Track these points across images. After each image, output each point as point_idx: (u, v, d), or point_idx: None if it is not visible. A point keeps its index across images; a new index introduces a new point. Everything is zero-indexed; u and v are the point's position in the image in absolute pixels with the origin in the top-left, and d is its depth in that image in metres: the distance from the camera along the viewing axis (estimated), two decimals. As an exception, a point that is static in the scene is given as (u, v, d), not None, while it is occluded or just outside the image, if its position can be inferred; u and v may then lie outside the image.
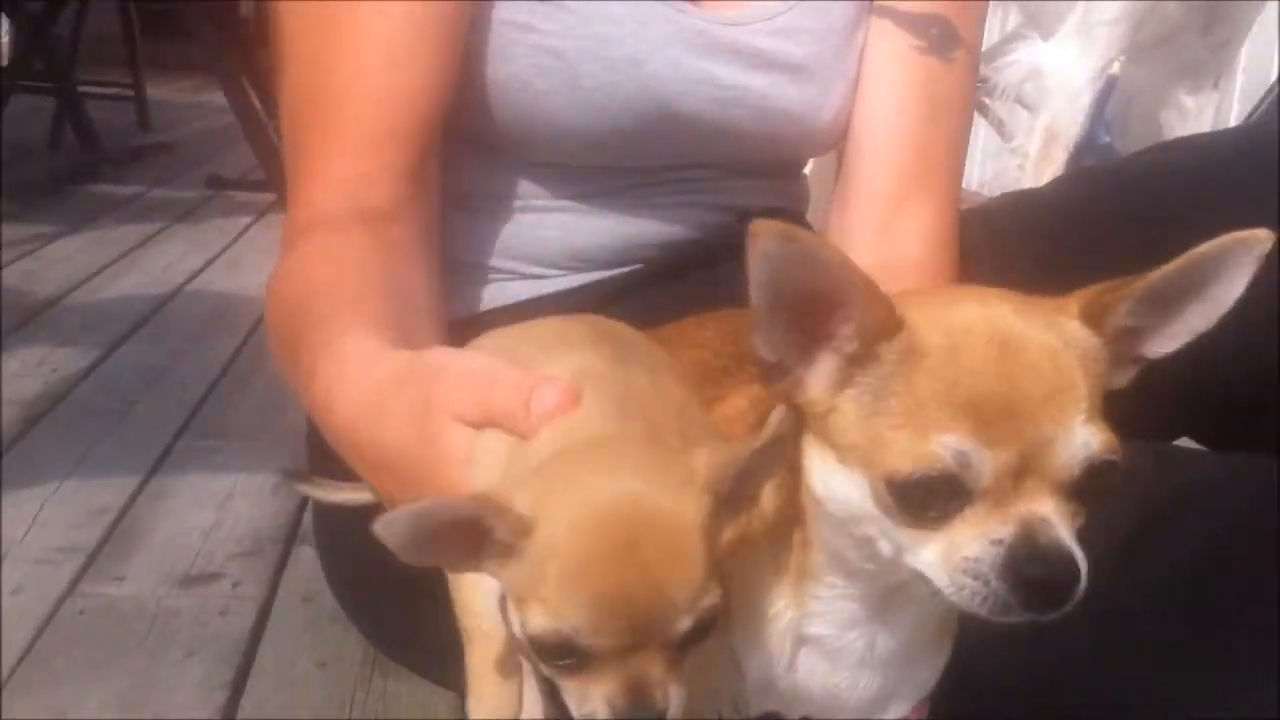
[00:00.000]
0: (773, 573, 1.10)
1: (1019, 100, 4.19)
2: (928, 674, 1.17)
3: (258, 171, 5.66)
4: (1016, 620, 0.92)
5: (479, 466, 1.05)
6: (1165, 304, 1.02)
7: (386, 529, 0.91)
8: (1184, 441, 1.92)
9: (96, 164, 6.66)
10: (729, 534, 0.99)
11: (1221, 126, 3.89)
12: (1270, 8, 3.97)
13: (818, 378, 1.00)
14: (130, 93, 8.26)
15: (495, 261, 1.77)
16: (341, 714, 1.83)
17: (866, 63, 1.78)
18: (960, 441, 0.91)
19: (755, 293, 0.97)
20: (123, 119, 7.94)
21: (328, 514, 1.76)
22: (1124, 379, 1.05)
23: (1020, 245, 1.81)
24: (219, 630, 2.02)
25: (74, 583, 2.15)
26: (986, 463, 0.90)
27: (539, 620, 0.92)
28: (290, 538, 2.36)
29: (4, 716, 1.74)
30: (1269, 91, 3.92)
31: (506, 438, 1.04)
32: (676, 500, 0.94)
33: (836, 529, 1.03)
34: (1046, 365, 0.94)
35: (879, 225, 1.76)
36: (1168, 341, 1.04)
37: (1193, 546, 1.68)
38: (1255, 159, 1.84)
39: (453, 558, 0.97)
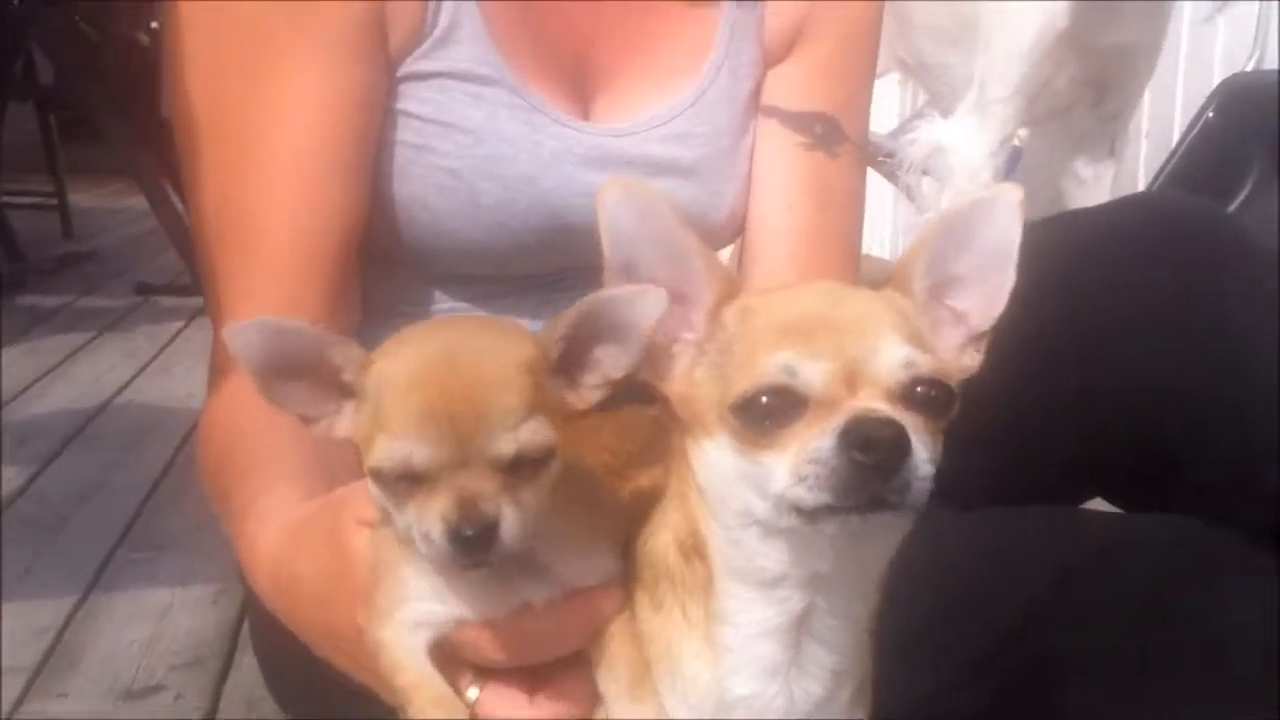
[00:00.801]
0: (683, 630, 1.13)
1: (926, 173, 4.32)
2: None
3: (185, 275, 5.65)
4: (862, 499, 0.97)
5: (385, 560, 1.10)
6: (952, 271, 1.11)
7: (235, 335, 1.00)
8: (1096, 504, 2.00)
9: (23, 274, 6.65)
10: (569, 400, 1.06)
11: (1122, 193, 4.02)
12: (1166, 72, 4.15)
13: (679, 361, 1.10)
14: (53, 201, 8.25)
15: (442, 304, 1.81)
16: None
17: (756, 161, 1.85)
18: (786, 356, 1.00)
19: (609, 253, 1.08)
20: (46, 227, 7.94)
21: (265, 622, 1.80)
22: (970, 358, 1.13)
23: None
24: (162, 743, 2.05)
25: (18, 702, 2.17)
26: (814, 372, 0.99)
27: (378, 449, 0.99)
28: (231, 648, 2.39)
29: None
30: (1169, 157, 4.05)
31: None
32: (499, 335, 1.06)
33: (723, 520, 1.07)
34: (861, 304, 1.06)
35: None
36: (981, 302, 1.12)
37: (1104, 608, 1.76)
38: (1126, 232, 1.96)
39: (306, 403, 1.04)
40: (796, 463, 0.98)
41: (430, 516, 0.98)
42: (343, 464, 1.46)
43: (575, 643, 1.16)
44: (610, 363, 1.07)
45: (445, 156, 1.67)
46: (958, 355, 1.13)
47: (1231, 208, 3.83)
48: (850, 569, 1.09)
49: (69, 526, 3.04)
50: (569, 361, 1.06)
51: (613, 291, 1.06)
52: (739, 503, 1.06)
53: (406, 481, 1.00)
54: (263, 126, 1.57)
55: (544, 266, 1.80)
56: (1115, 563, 1.76)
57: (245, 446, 1.43)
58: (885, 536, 1.08)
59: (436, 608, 1.08)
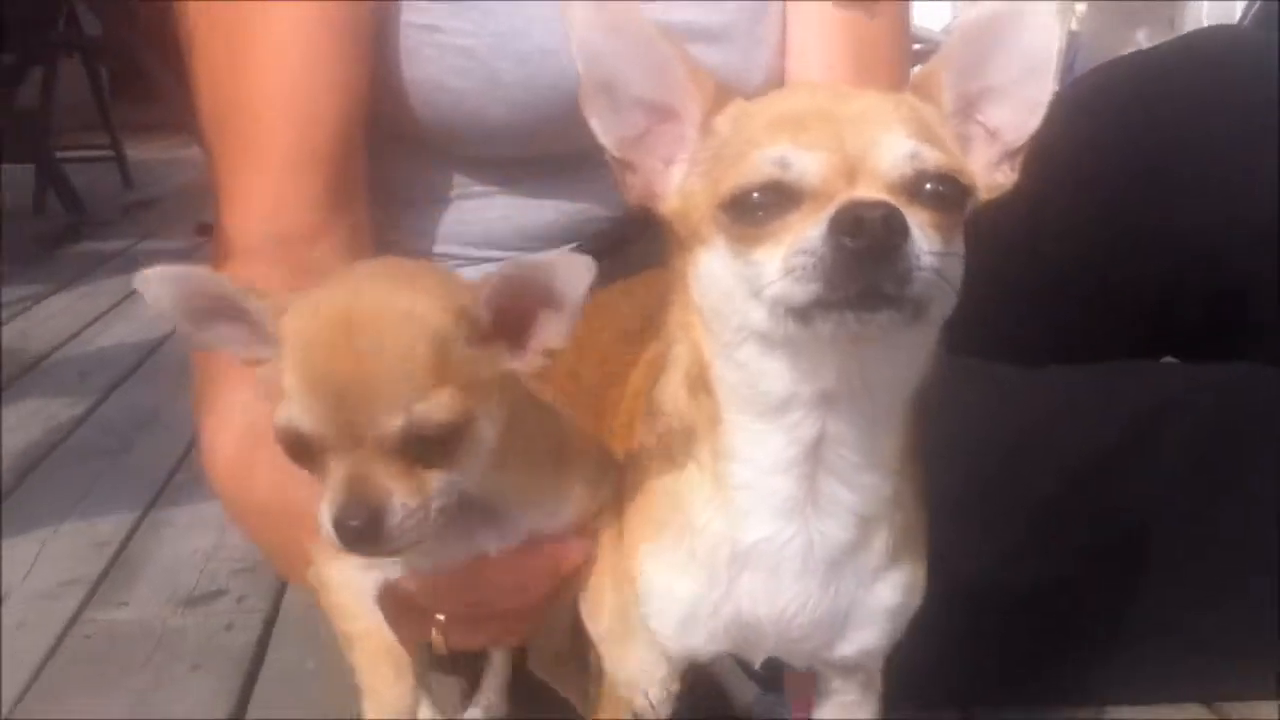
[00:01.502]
0: (693, 477, 1.09)
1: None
2: (895, 595, 1.13)
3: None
4: (857, 289, 0.90)
5: None
6: (983, 84, 1.04)
7: (143, 282, 0.95)
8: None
9: (80, 225, 6.69)
10: (500, 366, 0.99)
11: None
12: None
13: (671, 180, 1.05)
14: (110, 154, 8.29)
15: (445, 248, 1.80)
16: (345, 714, 1.83)
17: (790, 26, 1.78)
18: (780, 149, 0.94)
19: (582, 69, 1.03)
20: (107, 181, 7.95)
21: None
22: (1004, 175, 1.06)
23: None
24: (225, 643, 2.04)
25: (78, 611, 2.17)
26: (809, 164, 0.93)
27: (280, 413, 0.94)
28: (291, 550, 2.36)
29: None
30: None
31: None
32: (411, 300, 0.96)
33: (723, 338, 1.02)
34: (870, 99, 0.99)
35: None
36: (1014, 115, 1.05)
37: (1179, 456, 1.69)
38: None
39: (240, 344, 1.00)
40: (787, 254, 0.91)
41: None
42: None
43: (535, 593, 1.12)
44: (550, 329, 1.01)
45: (457, 35, 1.62)
46: (989, 172, 1.06)
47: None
48: (861, 387, 1.02)
49: (130, 451, 3.04)
50: (510, 327, 1.00)
51: (537, 259, 0.99)
52: (736, 313, 0.99)
53: (303, 453, 0.94)
54: (254, 13, 1.53)
55: (570, 145, 1.74)
56: (1187, 408, 1.70)
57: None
58: (896, 350, 1.00)
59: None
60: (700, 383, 1.07)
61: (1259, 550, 1.70)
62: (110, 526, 2.53)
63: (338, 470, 0.93)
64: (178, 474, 2.84)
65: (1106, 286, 1.90)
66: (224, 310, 0.98)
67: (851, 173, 0.94)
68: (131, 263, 5.53)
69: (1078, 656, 1.71)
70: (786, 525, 1.06)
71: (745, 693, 1.66)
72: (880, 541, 1.10)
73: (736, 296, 0.98)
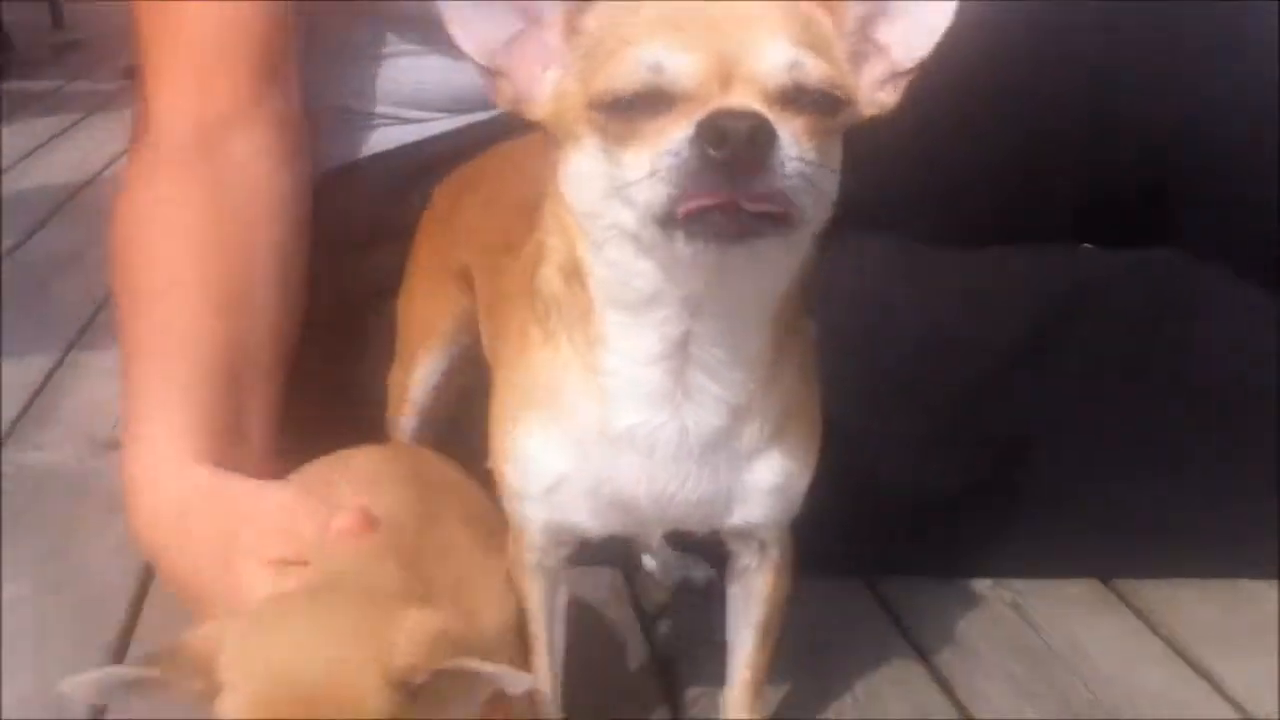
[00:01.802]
0: (568, 360, 1.10)
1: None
2: (776, 472, 1.14)
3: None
4: (721, 197, 0.89)
5: None
6: None
7: (75, 688, 0.92)
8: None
9: (8, 64, 6.51)
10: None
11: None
12: None
13: (542, 88, 1.03)
14: (41, -10, 8.06)
15: (377, 107, 1.79)
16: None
17: None
18: (653, 51, 0.93)
19: None
20: (36, 19, 7.74)
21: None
22: (887, 94, 1.05)
23: None
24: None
25: (-8, 455, 2.15)
26: (683, 65, 0.92)
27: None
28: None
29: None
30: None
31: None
32: (358, 688, 0.89)
33: (594, 237, 1.02)
34: (747, 3, 0.97)
35: None
36: (908, 37, 1.04)
37: (1097, 340, 1.72)
38: None
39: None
40: (653, 156, 0.90)
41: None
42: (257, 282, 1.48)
43: None
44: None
45: None
46: (873, 89, 1.05)
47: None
48: (727, 292, 1.02)
49: (49, 293, 3.01)
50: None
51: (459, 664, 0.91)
52: (605, 213, 0.99)
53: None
54: None
55: None
56: (1102, 296, 1.72)
57: (151, 302, 1.43)
58: (762, 258, 0.99)
59: None
60: (574, 273, 1.07)
61: (1161, 436, 1.74)
62: (27, 370, 2.51)
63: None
64: (96, 318, 2.81)
65: (1041, 170, 1.90)
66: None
67: (728, 77, 0.92)
68: (59, 102, 5.49)
69: (980, 534, 1.75)
70: (657, 413, 1.08)
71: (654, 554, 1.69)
72: (755, 425, 1.11)
73: (606, 196, 0.98)
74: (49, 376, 2.49)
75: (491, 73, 1.04)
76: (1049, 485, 1.74)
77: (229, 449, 1.33)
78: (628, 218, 0.96)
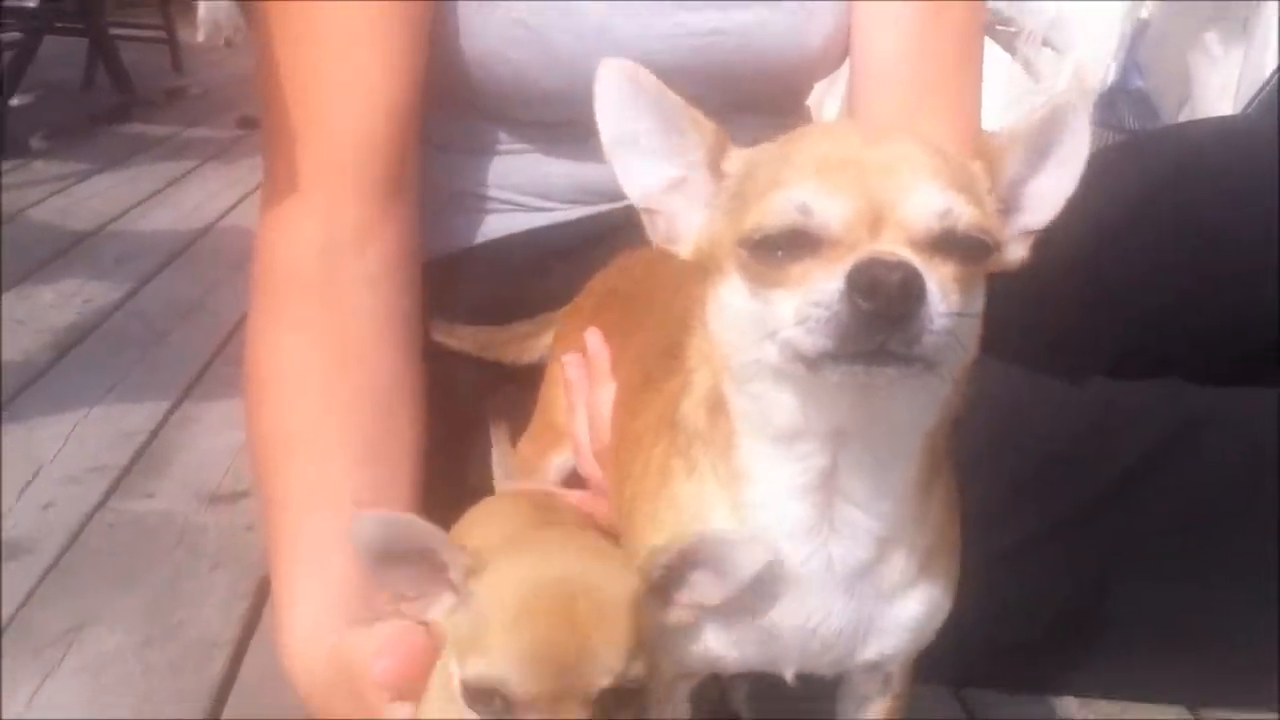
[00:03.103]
0: (711, 494, 1.11)
1: (1046, 43, 4.18)
2: (918, 609, 1.14)
3: (289, 112, 5.66)
4: (868, 347, 0.90)
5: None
6: (1035, 162, 1.07)
7: (359, 525, 1.04)
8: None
9: (129, 105, 6.71)
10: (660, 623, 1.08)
11: (1249, 73, 3.86)
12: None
13: (693, 223, 1.07)
14: (162, 35, 8.30)
15: (502, 194, 1.83)
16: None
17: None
18: (801, 193, 0.94)
19: (602, 127, 1.07)
20: (155, 62, 7.97)
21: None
22: (1017, 252, 1.08)
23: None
24: (245, 544, 2.07)
25: (104, 498, 2.21)
26: (830, 209, 0.93)
27: (475, 666, 1.01)
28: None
29: (31, 624, 1.79)
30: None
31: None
32: (611, 574, 1.06)
33: (737, 370, 1.04)
34: (906, 144, 0.99)
35: None
36: (1045, 204, 1.08)
37: (1205, 473, 1.72)
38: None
39: (410, 589, 1.08)
40: (801, 304, 0.91)
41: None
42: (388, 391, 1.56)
43: None
44: (705, 590, 1.09)
45: (515, 8, 1.64)
46: (1010, 244, 1.07)
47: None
48: (872, 425, 1.03)
49: (165, 341, 3.08)
50: (665, 581, 1.09)
51: (724, 533, 1.07)
52: (749, 348, 1.00)
53: (496, 706, 1.01)
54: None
55: None
56: (1218, 428, 1.72)
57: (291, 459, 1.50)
58: (910, 394, 1.01)
59: None
60: (718, 406, 1.08)
61: (1256, 571, 1.73)
62: (140, 417, 2.57)
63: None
64: (211, 367, 2.89)
65: (1160, 313, 1.94)
66: (414, 555, 1.06)
67: (877, 222, 0.93)
68: (177, 149, 5.65)
69: (1070, 651, 1.74)
70: (803, 545, 1.08)
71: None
72: (901, 559, 1.11)
73: (751, 333, 0.99)
74: (161, 425, 2.55)
75: (646, 212, 1.08)
76: (1140, 610, 1.73)
77: (370, 599, 1.35)
78: (772, 353, 0.97)
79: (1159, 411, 1.73)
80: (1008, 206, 1.07)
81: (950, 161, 1.00)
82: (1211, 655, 1.75)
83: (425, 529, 1.07)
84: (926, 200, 0.94)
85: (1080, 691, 1.77)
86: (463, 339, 1.79)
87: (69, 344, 3.00)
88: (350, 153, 1.56)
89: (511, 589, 1.03)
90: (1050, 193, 1.07)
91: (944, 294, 0.91)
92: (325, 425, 1.46)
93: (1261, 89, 3.72)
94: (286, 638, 1.40)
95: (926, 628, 1.16)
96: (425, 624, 1.18)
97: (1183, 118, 4.11)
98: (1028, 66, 4.55)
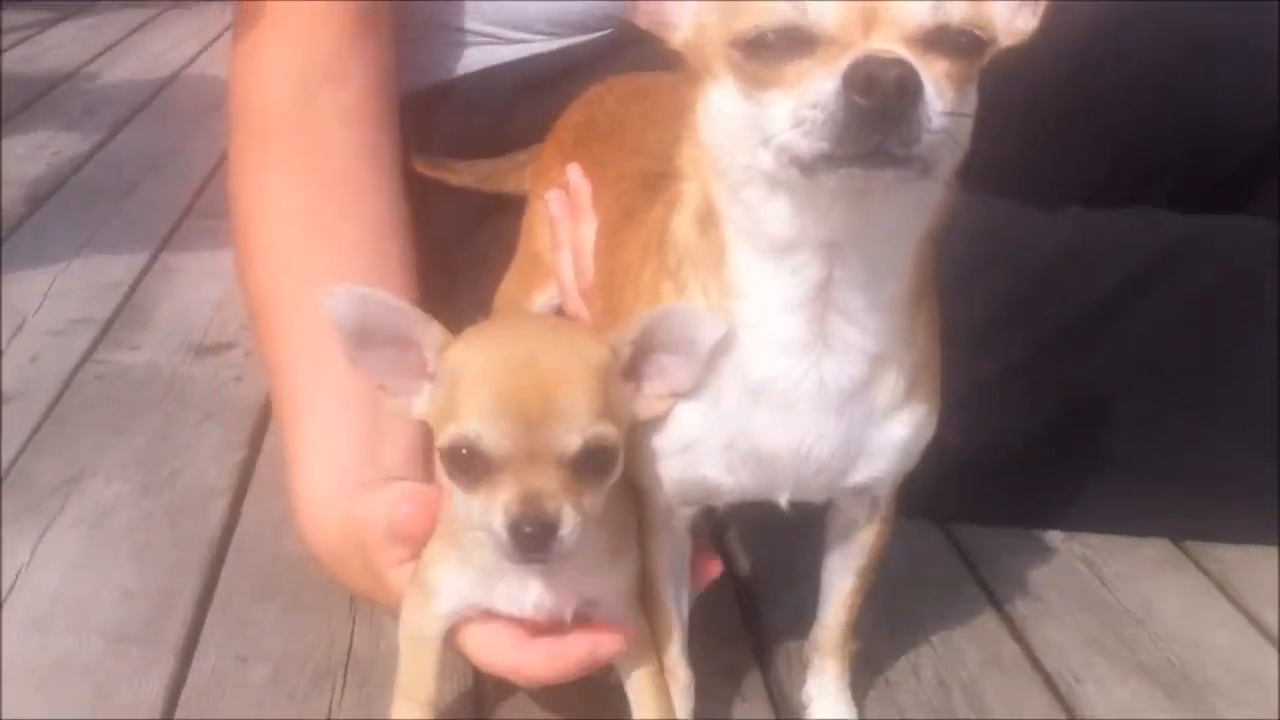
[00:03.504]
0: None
1: None
2: (905, 431, 1.16)
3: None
4: (865, 148, 0.89)
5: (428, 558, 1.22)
6: None
7: (333, 299, 1.07)
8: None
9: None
10: (635, 407, 1.12)
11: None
12: None
13: (683, 10, 1.05)
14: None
15: (480, 26, 1.83)
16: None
17: None
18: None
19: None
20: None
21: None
22: (1025, 21, 1.05)
23: None
24: (234, 395, 2.08)
25: (90, 350, 2.22)
26: (825, 6, 0.91)
27: (449, 431, 1.04)
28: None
29: (29, 477, 1.81)
30: None
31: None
32: (577, 341, 1.11)
33: (730, 178, 1.03)
34: None
35: None
36: None
37: (1186, 300, 1.73)
38: None
39: (388, 374, 1.11)
40: (797, 105, 0.90)
41: (494, 508, 1.02)
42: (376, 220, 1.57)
43: (569, 675, 1.19)
44: (675, 374, 1.12)
45: None
46: (1012, 16, 1.04)
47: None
48: (866, 235, 1.03)
49: (138, 192, 3.06)
50: (636, 368, 1.11)
51: (678, 307, 1.10)
52: (742, 154, 0.99)
53: (474, 469, 1.03)
54: None
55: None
56: (1186, 260, 1.74)
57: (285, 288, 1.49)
58: (903, 199, 1.00)
59: (466, 600, 1.18)
60: (709, 219, 1.08)
61: (1237, 402, 1.76)
62: (119, 269, 2.57)
63: (514, 483, 1.02)
64: (187, 219, 2.87)
65: (1138, 139, 1.93)
66: (389, 337, 1.09)
67: (870, 20, 0.92)
68: (136, -5, 5.51)
69: (1055, 487, 1.78)
70: (796, 363, 1.08)
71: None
72: (891, 378, 1.12)
73: (744, 138, 0.98)
74: (141, 277, 2.55)
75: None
76: (1125, 444, 1.76)
77: (377, 457, 1.38)
78: (766, 160, 0.96)
79: (1138, 238, 1.75)
80: None
81: None
82: (1200, 488, 1.78)
83: (397, 304, 1.10)
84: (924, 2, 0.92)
85: (1065, 525, 1.81)
86: (460, 173, 1.80)
87: (43, 196, 2.97)
88: None
89: (479, 351, 1.08)
90: None
91: (939, 92, 0.90)
92: (318, 267, 1.45)
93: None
94: (299, 503, 1.41)
95: (913, 448, 1.18)
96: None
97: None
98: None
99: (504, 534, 1.01)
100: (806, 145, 0.91)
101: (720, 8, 1.00)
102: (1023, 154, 1.84)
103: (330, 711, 1.37)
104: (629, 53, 1.74)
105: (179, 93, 4.01)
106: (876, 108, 0.87)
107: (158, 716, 1.35)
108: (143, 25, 4.98)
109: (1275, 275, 1.75)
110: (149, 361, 2.19)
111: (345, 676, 1.42)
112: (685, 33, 1.05)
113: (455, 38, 1.83)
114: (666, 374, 1.12)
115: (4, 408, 1.99)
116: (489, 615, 1.19)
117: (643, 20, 1.06)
